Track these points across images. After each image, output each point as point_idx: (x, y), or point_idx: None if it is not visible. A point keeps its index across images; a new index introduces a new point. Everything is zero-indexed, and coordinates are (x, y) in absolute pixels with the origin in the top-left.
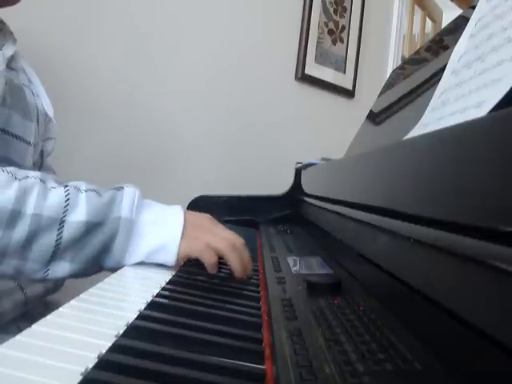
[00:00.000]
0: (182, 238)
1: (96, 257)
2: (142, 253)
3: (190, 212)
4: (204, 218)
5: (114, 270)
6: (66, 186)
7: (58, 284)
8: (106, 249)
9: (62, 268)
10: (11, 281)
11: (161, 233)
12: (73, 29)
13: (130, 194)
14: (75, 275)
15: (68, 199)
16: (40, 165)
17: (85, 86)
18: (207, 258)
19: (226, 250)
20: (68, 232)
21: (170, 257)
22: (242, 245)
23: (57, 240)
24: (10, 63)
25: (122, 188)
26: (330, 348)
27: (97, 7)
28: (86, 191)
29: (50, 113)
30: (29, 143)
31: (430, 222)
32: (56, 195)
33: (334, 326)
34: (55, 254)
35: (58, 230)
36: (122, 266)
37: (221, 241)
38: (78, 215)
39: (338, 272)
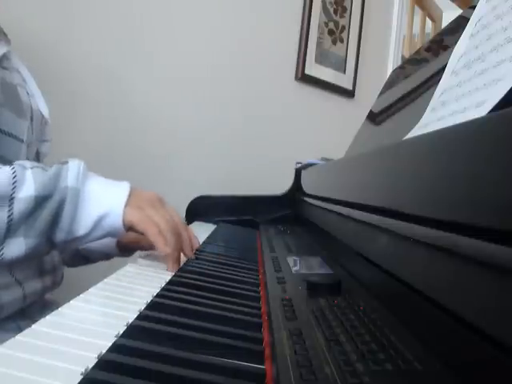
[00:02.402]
0: (126, 205)
1: (47, 229)
2: (89, 220)
3: (136, 188)
4: (151, 195)
5: (66, 244)
6: (11, 165)
7: (56, 280)
8: (55, 220)
9: (17, 245)
10: (9, 276)
11: (106, 198)
12: (64, 24)
13: (74, 165)
14: (30, 253)
15: (15, 176)
16: None
17: (77, 82)
18: (151, 232)
19: (166, 230)
20: (18, 208)
21: (117, 222)
22: (183, 228)
23: (9, 216)
24: (2, 63)
25: (67, 162)
26: (330, 348)
27: (88, 2)
28: (31, 168)
29: (45, 112)
30: (21, 141)
31: (430, 221)
32: (3, 173)
33: (333, 326)
34: (8, 231)
35: (9, 206)
36: (74, 240)
37: (163, 219)
38: (27, 190)
39: (337, 272)
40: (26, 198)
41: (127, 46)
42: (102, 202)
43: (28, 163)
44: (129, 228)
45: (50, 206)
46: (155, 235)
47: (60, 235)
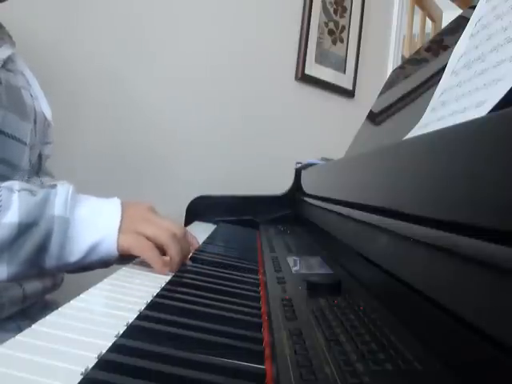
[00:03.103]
0: (120, 231)
1: (33, 258)
2: (81, 249)
3: (128, 202)
4: (142, 209)
5: (58, 270)
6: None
7: (56, 282)
8: (42, 249)
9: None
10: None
11: (98, 227)
12: (66, 25)
13: (63, 190)
14: (14, 278)
15: (1, 200)
16: (38, 169)
17: (80, 83)
18: (147, 255)
19: (166, 240)
20: (1, 233)
21: (111, 249)
22: (183, 234)
23: None
24: (7, 65)
25: (56, 186)
26: (330, 348)
27: (90, 3)
28: (18, 191)
29: (49, 115)
30: (25, 144)
31: (430, 221)
32: None
33: (334, 326)
34: None
35: None
36: (66, 266)
37: (160, 231)
38: (11, 216)
39: (337, 272)
40: (9, 224)
41: (129, 47)
42: (94, 229)
43: (17, 185)
44: (125, 252)
45: (35, 235)
46: (151, 258)
47: (50, 262)
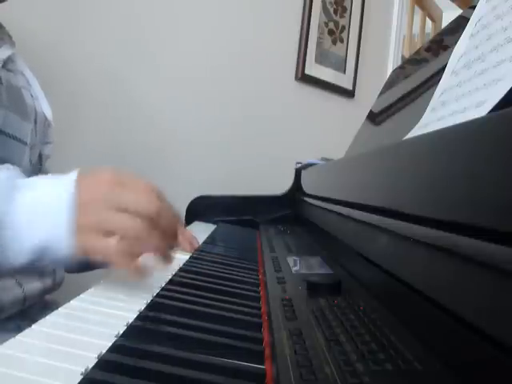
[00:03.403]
0: (73, 228)
1: None
2: (25, 251)
3: (85, 180)
4: (103, 186)
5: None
6: None
7: (56, 282)
8: None
9: None
10: (10, 277)
11: (42, 224)
12: (66, 25)
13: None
14: None
15: None
16: (39, 169)
17: (80, 84)
18: (110, 259)
19: (140, 232)
20: None
21: (61, 255)
22: (160, 211)
23: None
24: (7, 65)
25: None
26: (330, 348)
27: (92, 7)
28: None
29: (49, 115)
30: (25, 144)
31: (430, 221)
32: None
33: (334, 326)
34: None
35: None
36: (11, 269)
37: (129, 221)
38: None
39: (338, 272)
40: None
41: (129, 47)
42: (37, 227)
43: None
44: (84, 255)
45: None
46: (120, 264)
47: None
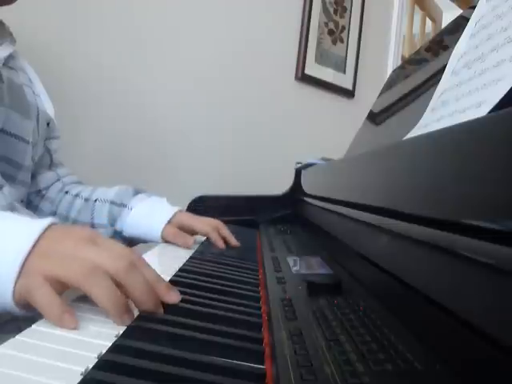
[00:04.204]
0: (15, 272)
1: None
2: None
3: (51, 233)
4: (68, 240)
5: None
6: None
7: None
8: None
9: None
10: None
11: None
12: (69, 26)
13: None
14: None
15: None
16: (50, 164)
17: (81, 83)
18: (47, 312)
19: (87, 277)
20: None
21: (5, 304)
22: (138, 272)
23: None
24: (9, 63)
25: None
26: (330, 348)
27: (93, 4)
28: None
29: (51, 112)
30: (27, 142)
31: (430, 221)
32: None
33: (333, 326)
34: None
35: None
36: None
37: (79, 268)
38: None
39: (338, 272)
40: None
41: (130, 48)
42: None
43: None
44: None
45: None
46: (47, 314)
47: None
